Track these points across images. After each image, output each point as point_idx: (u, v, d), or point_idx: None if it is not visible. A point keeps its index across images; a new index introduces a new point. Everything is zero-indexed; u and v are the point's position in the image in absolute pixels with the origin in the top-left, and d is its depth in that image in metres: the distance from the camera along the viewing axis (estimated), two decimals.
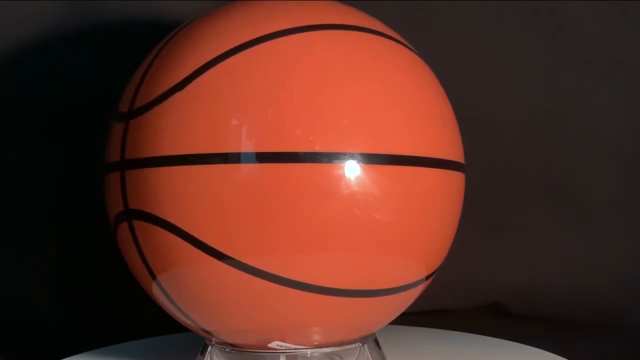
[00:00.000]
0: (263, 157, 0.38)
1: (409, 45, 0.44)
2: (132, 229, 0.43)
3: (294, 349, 0.43)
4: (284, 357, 0.44)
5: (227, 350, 0.45)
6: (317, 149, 0.38)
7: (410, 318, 0.58)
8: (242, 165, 0.38)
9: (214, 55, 0.41)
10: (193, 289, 0.42)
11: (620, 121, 0.61)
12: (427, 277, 0.44)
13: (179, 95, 0.41)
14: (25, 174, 0.61)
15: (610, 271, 0.63)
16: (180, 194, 0.40)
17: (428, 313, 0.64)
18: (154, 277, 0.44)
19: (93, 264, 0.63)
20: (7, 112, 0.60)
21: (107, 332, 0.62)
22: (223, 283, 0.41)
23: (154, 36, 0.49)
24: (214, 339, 0.46)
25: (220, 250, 0.39)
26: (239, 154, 0.38)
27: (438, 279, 0.47)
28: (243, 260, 0.39)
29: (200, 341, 0.48)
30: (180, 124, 0.40)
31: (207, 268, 0.40)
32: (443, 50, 0.59)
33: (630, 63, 0.61)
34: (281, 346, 0.43)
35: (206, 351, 0.46)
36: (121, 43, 0.60)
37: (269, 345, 0.43)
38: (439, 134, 0.43)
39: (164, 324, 0.55)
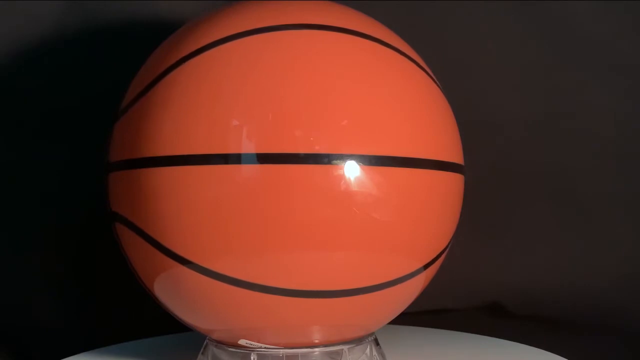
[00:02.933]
0: (263, 158, 0.38)
1: (408, 53, 0.44)
2: (115, 230, 0.44)
3: (265, 347, 0.43)
4: (284, 357, 0.44)
5: (228, 349, 0.45)
6: (317, 149, 0.38)
7: (410, 318, 0.58)
8: (241, 167, 0.38)
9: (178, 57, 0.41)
10: (170, 291, 0.43)
11: (620, 121, 0.61)
12: (425, 268, 0.44)
13: (143, 100, 0.42)
14: (25, 174, 0.61)
15: (610, 271, 0.63)
16: (139, 196, 0.41)
17: (428, 313, 0.64)
18: (136, 273, 0.45)
19: (93, 264, 0.63)
20: (7, 112, 0.60)
21: (107, 332, 0.62)
22: (197, 289, 0.41)
23: (154, 36, 0.49)
24: (208, 337, 0.46)
25: (182, 255, 0.40)
26: (222, 155, 0.38)
27: (438, 279, 0.47)
28: (215, 269, 0.40)
29: (201, 340, 0.48)
30: (140, 128, 0.41)
31: (175, 273, 0.41)
32: (443, 50, 0.59)
33: (630, 63, 0.61)
34: (251, 344, 0.43)
35: (207, 350, 0.46)
36: (121, 43, 0.60)
37: (239, 342, 0.44)
38: (438, 136, 0.43)
39: (164, 324, 0.55)
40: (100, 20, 0.59)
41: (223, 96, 0.39)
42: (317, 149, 0.38)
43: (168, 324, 0.53)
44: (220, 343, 0.45)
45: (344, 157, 0.38)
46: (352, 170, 0.38)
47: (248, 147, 0.38)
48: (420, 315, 0.63)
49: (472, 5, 0.60)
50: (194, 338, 0.52)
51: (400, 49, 0.43)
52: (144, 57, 0.45)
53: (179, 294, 0.43)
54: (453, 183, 0.44)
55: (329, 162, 0.38)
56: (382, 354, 0.47)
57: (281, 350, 0.44)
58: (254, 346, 0.44)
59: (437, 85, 0.45)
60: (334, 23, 0.41)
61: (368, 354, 0.46)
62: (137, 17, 0.60)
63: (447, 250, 0.45)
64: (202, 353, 0.47)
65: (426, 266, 0.43)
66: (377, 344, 0.47)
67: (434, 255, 0.43)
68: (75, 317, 0.63)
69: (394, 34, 0.44)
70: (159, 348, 0.55)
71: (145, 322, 0.60)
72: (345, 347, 0.45)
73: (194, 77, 0.40)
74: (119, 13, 0.59)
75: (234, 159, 0.38)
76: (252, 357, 0.44)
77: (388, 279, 0.41)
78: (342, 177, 0.38)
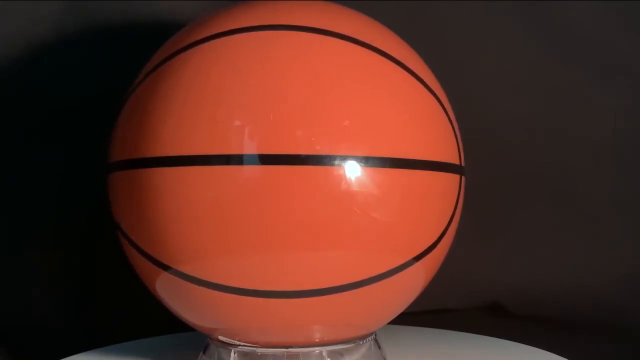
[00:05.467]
0: (264, 159, 0.38)
1: (404, 62, 0.44)
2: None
3: (243, 345, 0.44)
4: (286, 356, 0.44)
5: (230, 348, 0.45)
6: (318, 150, 0.38)
7: (410, 318, 0.58)
8: (243, 168, 0.38)
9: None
10: (169, 296, 0.44)
11: (620, 121, 0.61)
12: (416, 260, 0.44)
13: (131, 97, 0.43)
14: (26, 174, 0.61)
15: (610, 271, 0.63)
16: (139, 197, 0.41)
17: (428, 313, 0.64)
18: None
19: (93, 264, 0.63)
20: (7, 113, 0.60)
21: (107, 332, 0.62)
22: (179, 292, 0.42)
23: (154, 37, 0.49)
24: (209, 337, 0.46)
25: (161, 261, 0.41)
26: (211, 156, 0.39)
27: (438, 278, 0.47)
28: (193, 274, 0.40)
29: (201, 340, 0.48)
30: (141, 129, 0.42)
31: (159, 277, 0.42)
32: (443, 50, 0.59)
33: (630, 63, 0.61)
34: (231, 341, 0.44)
35: (208, 349, 0.47)
36: (121, 43, 0.60)
37: (219, 338, 0.45)
38: (439, 137, 0.43)
39: (164, 324, 0.55)
40: (100, 21, 0.59)
41: (224, 96, 0.39)
42: (318, 149, 0.38)
43: (168, 324, 0.53)
44: (222, 342, 0.45)
45: (344, 158, 0.38)
46: (352, 171, 0.38)
47: (250, 147, 0.38)
48: (420, 315, 0.63)
49: (472, 5, 0.60)
50: (194, 338, 0.52)
51: (397, 58, 0.43)
52: (144, 58, 0.45)
53: (180, 298, 0.43)
54: (452, 183, 0.44)
55: (330, 163, 0.38)
56: (383, 354, 0.47)
57: (283, 349, 0.44)
58: (233, 343, 0.44)
59: (438, 84, 0.45)
60: (337, 29, 0.41)
61: (369, 353, 0.46)
62: (137, 18, 0.60)
63: (440, 244, 0.45)
64: (204, 352, 0.47)
65: (417, 258, 0.43)
66: (377, 343, 0.47)
67: (425, 247, 0.44)
68: (75, 317, 0.63)
69: (393, 39, 0.44)
70: (159, 348, 0.55)
71: (145, 322, 0.60)
72: (345, 347, 0.45)
73: (195, 74, 0.40)
74: (119, 13, 0.59)
75: (235, 159, 0.38)
76: (232, 354, 0.44)
77: (380, 272, 0.41)
78: (342, 177, 0.38)
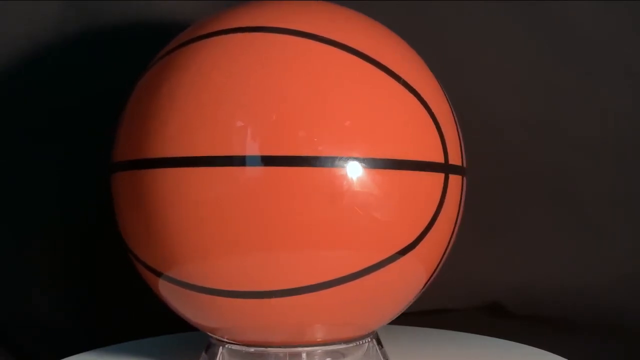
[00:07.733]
0: (267, 160, 0.38)
1: (393, 70, 0.44)
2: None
3: (233, 343, 0.45)
4: (287, 355, 0.44)
5: (232, 348, 0.45)
6: (321, 151, 0.38)
7: (410, 318, 0.58)
8: (245, 169, 0.38)
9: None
10: (170, 298, 0.44)
11: (620, 121, 0.61)
12: (402, 254, 0.43)
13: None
14: (26, 174, 0.61)
15: (609, 271, 0.63)
16: (124, 199, 0.42)
17: (428, 313, 0.64)
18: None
19: (93, 264, 0.63)
20: (7, 112, 0.60)
21: (107, 332, 0.62)
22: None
23: (154, 37, 0.49)
24: (210, 336, 0.46)
25: (158, 269, 0.42)
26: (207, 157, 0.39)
27: (438, 278, 0.47)
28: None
29: (201, 340, 0.48)
30: (126, 129, 0.42)
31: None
32: (443, 50, 0.59)
33: (630, 63, 0.61)
34: (223, 340, 0.45)
35: (210, 348, 0.47)
36: (121, 44, 0.60)
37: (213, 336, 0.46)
38: (419, 137, 0.43)
39: (164, 324, 0.55)
40: (101, 21, 0.59)
41: (226, 96, 0.39)
42: (321, 150, 0.38)
43: (168, 324, 0.53)
44: (222, 342, 0.45)
45: (346, 159, 0.38)
46: (353, 171, 0.38)
47: (252, 148, 0.38)
48: (420, 315, 0.63)
49: (472, 5, 0.60)
50: (195, 338, 0.52)
51: (384, 64, 0.42)
52: (144, 58, 0.45)
53: (180, 301, 0.43)
54: (435, 181, 0.43)
55: (333, 164, 0.38)
56: (384, 354, 0.47)
57: (285, 349, 0.44)
58: (224, 341, 0.45)
59: (439, 85, 0.45)
60: (335, 37, 0.41)
61: (369, 353, 0.46)
62: (137, 18, 0.60)
63: (424, 240, 0.44)
64: (206, 351, 0.47)
65: (402, 252, 0.43)
66: (379, 343, 0.47)
67: (408, 243, 0.43)
68: (75, 317, 0.63)
69: (389, 40, 0.44)
70: (159, 348, 0.55)
71: (146, 322, 0.60)
72: (346, 346, 0.45)
73: (197, 73, 0.40)
74: (119, 14, 0.59)
75: (238, 160, 0.38)
76: (220, 351, 0.45)
77: (366, 266, 0.41)
78: (344, 178, 0.38)
